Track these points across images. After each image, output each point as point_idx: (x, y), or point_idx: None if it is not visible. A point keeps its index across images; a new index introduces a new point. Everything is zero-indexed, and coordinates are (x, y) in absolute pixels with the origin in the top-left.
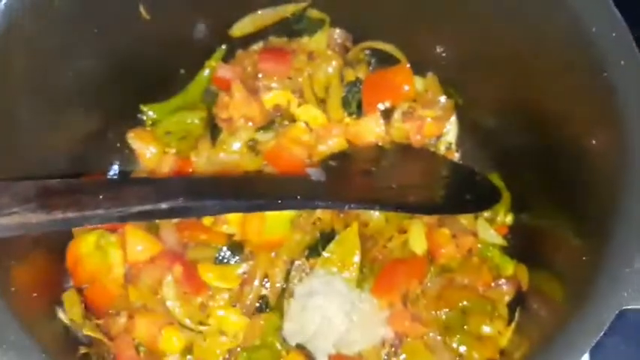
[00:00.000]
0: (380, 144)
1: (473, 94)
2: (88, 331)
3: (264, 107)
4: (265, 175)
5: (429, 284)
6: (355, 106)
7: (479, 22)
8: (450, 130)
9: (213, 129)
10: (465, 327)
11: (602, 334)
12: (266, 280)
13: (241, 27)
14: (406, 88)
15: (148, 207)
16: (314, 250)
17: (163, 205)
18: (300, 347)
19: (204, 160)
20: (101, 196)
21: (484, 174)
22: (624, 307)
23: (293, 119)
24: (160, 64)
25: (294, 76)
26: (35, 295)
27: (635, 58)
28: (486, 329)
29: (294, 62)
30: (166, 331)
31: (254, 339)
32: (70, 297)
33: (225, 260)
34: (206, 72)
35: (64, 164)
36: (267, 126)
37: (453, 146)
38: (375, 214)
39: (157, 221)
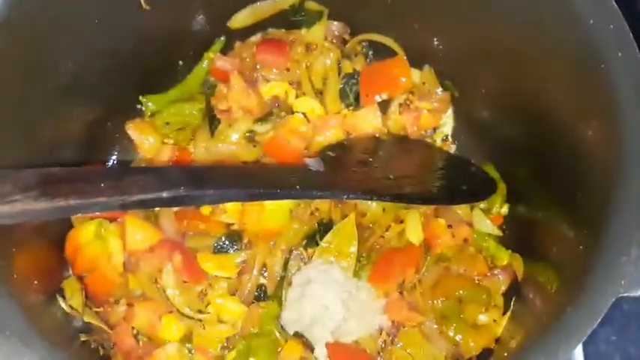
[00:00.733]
0: (377, 135)
1: (469, 86)
2: (88, 319)
3: (262, 98)
4: (265, 166)
5: (425, 273)
6: (353, 97)
7: (476, 15)
8: (447, 121)
9: (211, 120)
10: (461, 316)
11: (598, 321)
12: (264, 269)
13: (240, 19)
14: (403, 80)
15: (149, 196)
16: (312, 239)
17: (164, 194)
18: (298, 335)
19: (202, 151)
20: (103, 185)
21: (480, 165)
22: (621, 295)
23: (291, 110)
24: (159, 55)
25: (292, 68)
26: (36, 282)
27: (633, 50)
28: (482, 318)
29: (292, 54)
30: (166, 320)
31: (252, 327)
32: (70, 285)
33: (224, 249)
34: (204, 63)
35: (63, 154)
36: (265, 117)
37: (450, 138)
38: (373, 205)
39: (157, 210)
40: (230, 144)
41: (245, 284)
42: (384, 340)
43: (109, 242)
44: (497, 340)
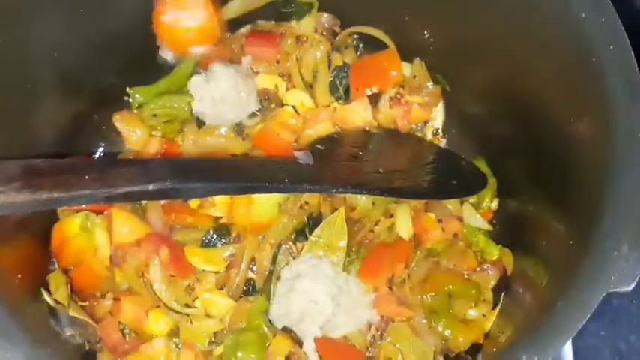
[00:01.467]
0: (367, 129)
1: (460, 80)
2: (73, 313)
3: None
4: (253, 158)
5: (414, 268)
6: (343, 90)
7: (466, 8)
8: (437, 116)
9: None
10: (451, 311)
11: (588, 316)
12: (253, 263)
13: (230, 9)
14: (394, 73)
15: (135, 188)
16: (301, 233)
17: (151, 187)
18: (287, 330)
19: (190, 144)
20: (87, 177)
21: (470, 160)
22: (611, 290)
23: (281, 103)
24: (147, 46)
25: (281, 60)
26: (20, 276)
27: (624, 44)
28: (471, 313)
29: (282, 46)
30: (153, 314)
31: (240, 322)
32: (55, 278)
33: (212, 243)
34: (193, 54)
35: (49, 146)
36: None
37: (440, 132)
38: (362, 199)
39: (144, 204)
40: (218, 137)
41: (233, 278)
42: (373, 335)
43: (95, 235)
44: (487, 335)
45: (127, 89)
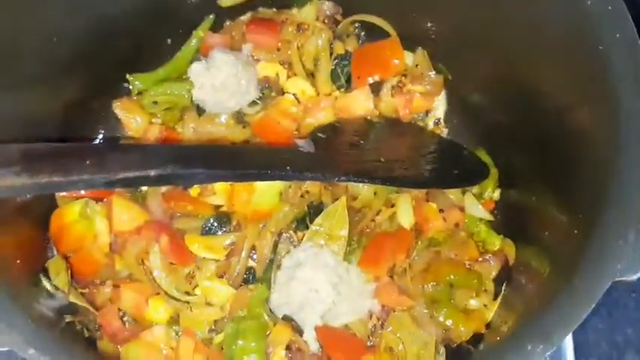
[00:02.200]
0: (368, 118)
1: (462, 69)
2: (73, 299)
3: None
4: (255, 146)
5: (416, 258)
6: (344, 79)
7: None
8: (439, 105)
9: None
10: (452, 300)
11: (594, 305)
12: (253, 251)
13: None
14: (396, 62)
15: (135, 173)
16: (302, 222)
17: (151, 173)
18: (287, 319)
19: (190, 132)
20: (87, 162)
21: (472, 150)
22: (617, 279)
23: (281, 91)
24: (147, 33)
25: (282, 48)
26: (19, 262)
27: (631, 31)
28: (473, 303)
29: (283, 34)
30: (153, 302)
31: (241, 310)
32: (56, 264)
33: (212, 231)
34: (193, 42)
35: (49, 132)
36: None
37: (442, 121)
38: (364, 188)
39: (144, 191)
40: (218, 125)
41: (234, 267)
42: (374, 325)
43: (94, 222)
44: (488, 325)
45: (127, 76)
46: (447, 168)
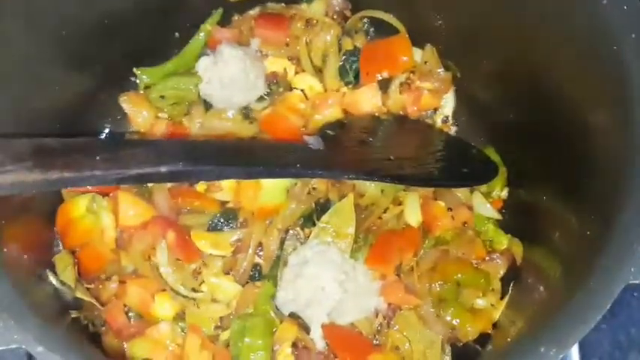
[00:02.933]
0: (376, 114)
1: (472, 67)
2: (80, 295)
3: None
4: (265, 142)
5: (423, 256)
6: (352, 75)
7: None
8: (447, 102)
9: None
10: (459, 300)
11: (608, 307)
12: (260, 248)
13: None
14: (404, 58)
15: (147, 170)
16: (309, 219)
17: (162, 169)
18: (294, 316)
19: (196, 126)
20: (99, 157)
21: (480, 148)
22: (631, 282)
23: (289, 87)
24: (155, 26)
25: (291, 44)
26: (26, 257)
27: None
28: (480, 302)
29: (292, 29)
30: (159, 298)
31: (247, 307)
32: (63, 259)
33: (219, 227)
34: (201, 35)
35: (56, 125)
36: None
37: (450, 119)
38: (371, 185)
39: (150, 186)
40: (226, 120)
41: (240, 263)
42: (381, 323)
43: (101, 217)
44: (495, 326)
45: (134, 70)
46: (456, 166)
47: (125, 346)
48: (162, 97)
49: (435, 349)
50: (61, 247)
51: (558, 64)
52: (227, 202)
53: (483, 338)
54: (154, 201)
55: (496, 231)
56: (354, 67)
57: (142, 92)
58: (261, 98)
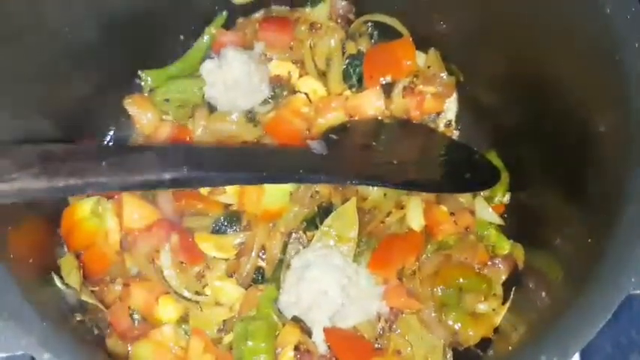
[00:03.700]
0: (380, 118)
1: (475, 71)
2: (85, 297)
3: None
4: (268, 147)
5: (425, 261)
6: (356, 79)
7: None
8: (450, 107)
9: None
10: (461, 304)
11: (609, 316)
12: (263, 251)
13: None
14: (408, 62)
15: (151, 176)
16: (312, 222)
17: (167, 175)
18: (296, 320)
19: (201, 129)
20: (104, 164)
21: (483, 153)
22: (632, 292)
23: (293, 91)
24: (159, 29)
25: (295, 47)
26: (31, 261)
27: None
28: (481, 307)
29: (296, 32)
30: (163, 300)
31: (250, 310)
32: (68, 262)
33: (222, 230)
34: (205, 39)
35: (59, 128)
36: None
37: (453, 123)
38: (374, 189)
39: None
40: (230, 123)
41: (243, 266)
42: (383, 327)
43: (105, 220)
44: (497, 331)
45: (139, 72)
46: (459, 172)
47: (129, 348)
48: (166, 99)
49: (437, 354)
50: (66, 250)
51: (561, 70)
52: (231, 205)
53: (485, 343)
54: (158, 204)
55: (498, 236)
56: (357, 70)
57: (146, 95)
58: (265, 101)
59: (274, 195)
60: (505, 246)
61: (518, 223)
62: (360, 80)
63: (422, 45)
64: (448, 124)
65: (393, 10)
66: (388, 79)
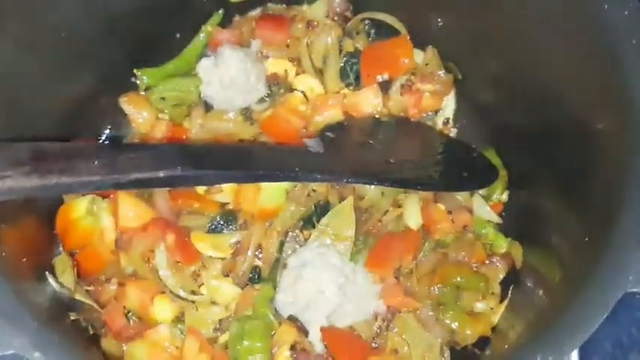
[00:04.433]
0: (377, 116)
1: (473, 69)
2: (79, 297)
3: None
4: (264, 146)
5: (422, 259)
6: (353, 77)
7: None
8: (448, 104)
9: None
10: (458, 303)
11: (605, 317)
12: (259, 250)
13: None
14: (405, 60)
15: (145, 175)
16: (308, 221)
17: (161, 174)
18: (293, 319)
19: (197, 128)
20: (97, 162)
21: (481, 151)
22: (629, 291)
23: (290, 88)
24: (156, 27)
25: (292, 45)
26: (24, 260)
27: None
28: (479, 306)
29: (293, 30)
30: (158, 300)
31: (246, 310)
32: (62, 261)
33: (219, 229)
34: (202, 37)
35: (55, 127)
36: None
37: (451, 121)
38: (371, 188)
39: None
40: (226, 121)
41: (239, 265)
42: (380, 326)
43: (100, 219)
44: (495, 329)
45: (135, 71)
46: (457, 170)
47: (124, 348)
48: (162, 98)
49: (434, 353)
50: (60, 249)
51: (559, 67)
52: (227, 203)
53: (482, 342)
54: (154, 202)
55: (496, 234)
56: (354, 68)
57: (142, 93)
58: (261, 99)
59: (271, 194)
60: (503, 244)
61: (516, 222)
62: (357, 78)
63: (419, 42)
64: (446, 122)
65: (390, 7)
66: (386, 76)
